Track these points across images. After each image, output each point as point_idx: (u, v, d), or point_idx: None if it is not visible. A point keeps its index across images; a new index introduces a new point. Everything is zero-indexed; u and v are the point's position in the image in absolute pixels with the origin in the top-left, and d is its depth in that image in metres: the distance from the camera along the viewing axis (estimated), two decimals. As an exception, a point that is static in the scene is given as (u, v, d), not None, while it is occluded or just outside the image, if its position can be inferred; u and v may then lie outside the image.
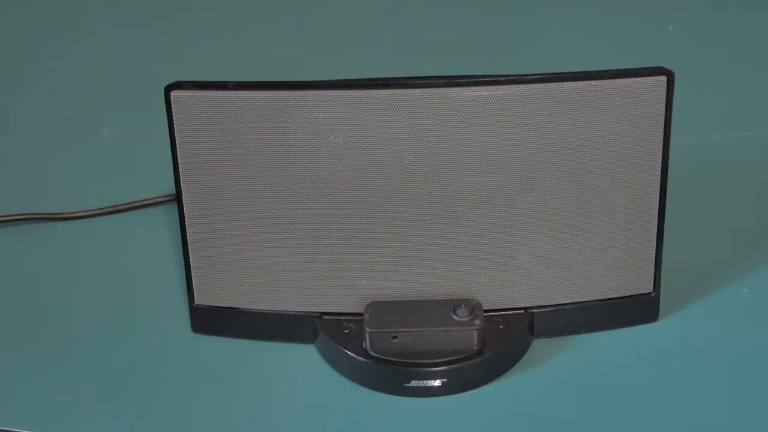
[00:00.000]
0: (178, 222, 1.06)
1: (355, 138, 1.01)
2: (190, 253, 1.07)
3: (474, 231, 1.04)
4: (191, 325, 1.11)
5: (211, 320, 1.10)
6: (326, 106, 1.00)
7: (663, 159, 1.03)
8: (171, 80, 1.01)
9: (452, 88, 0.99)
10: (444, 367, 1.03)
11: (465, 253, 1.05)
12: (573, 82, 1.00)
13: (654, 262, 1.07)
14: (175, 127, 1.02)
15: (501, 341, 1.05)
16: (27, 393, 1.05)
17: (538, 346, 1.08)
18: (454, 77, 1.00)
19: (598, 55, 1.60)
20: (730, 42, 1.65)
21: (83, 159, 1.41)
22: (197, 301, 1.09)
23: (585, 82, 1.00)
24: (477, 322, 1.03)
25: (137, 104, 1.49)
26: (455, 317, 1.03)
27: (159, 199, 1.29)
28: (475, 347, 1.03)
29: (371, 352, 1.03)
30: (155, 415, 1.02)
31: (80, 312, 1.15)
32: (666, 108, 1.01)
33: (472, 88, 0.99)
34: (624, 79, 1.00)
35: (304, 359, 1.08)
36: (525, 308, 1.07)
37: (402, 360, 1.03)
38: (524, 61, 1.60)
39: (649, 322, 1.10)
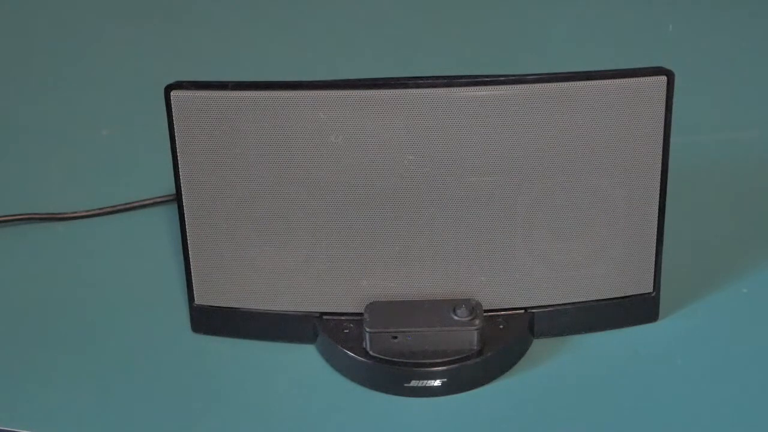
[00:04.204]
0: (178, 222, 1.06)
1: (355, 138, 1.01)
2: (190, 253, 1.07)
3: (474, 231, 1.04)
4: (191, 325, 1.11)
5: (211, 320, 1.10)
6: (326, 106, 1.00)
7: (663, 159, 1.03)
8: (171, 80, 1.01)
9: (452, 88, 0.99)
10: (444, 367, 1.03)
11: (465, 253, 1.05)
12: (573, 82, 1.00)
13: (654, 262, 1.07)
14: (175, 127, 1.02)
15: (501, 341, 1.05)
16: (27, 393, 1.05)
17: (538, 346, 1.08)
18: (454, 77, 1.00)
19: (598, 55, 1.60)
20: (730, 42, 1.65)
21: (83, 159, 1.41)
22: (197, 301, 1.09)
23: (585, 82, 1.00)
24: (477, 322, 1.03)
25: (137, 104, 1.49)
26: (455, 317, 1.03)
27: (159, 199, 1.29)
28: (475, 347, 1.03)
29: (371, 352, 1.03)
30: (155, 415, 1.02)
31: (80, 312, 1.15)
32: (666, 108, 1.01)
33: (472, 88, 0.99)
34: (624, 79, 1.00)
35: (304, 359, 1.08)
36: (525, 308, 1.07)
37: (402, 360, 1.03)
38: (524, 61, 1.60)
39: (649, 322, 1.10)
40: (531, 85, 0.99)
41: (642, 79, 1.00)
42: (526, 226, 1.04)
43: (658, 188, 1.04)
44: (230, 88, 1.01)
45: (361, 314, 1.05)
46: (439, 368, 1.03)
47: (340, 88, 1.00)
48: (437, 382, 1.03)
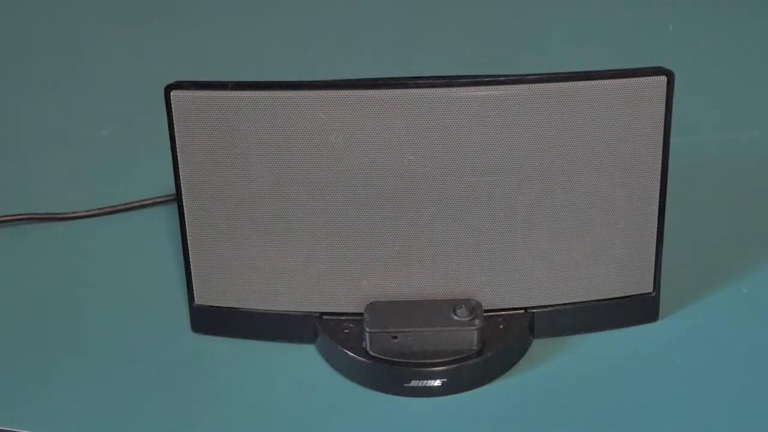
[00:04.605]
0: (178, 222, 1.06)
1: (355, 138, 1.01)
2: (190, 253, 1.07)
3: (474, 231, 1.04)
4: (191, 325, 1.11)
5: (211, 320, 1.10)
6: (326, 106, 1.00)
7: (663, 159, 1.03)
8: (171, 80, 1.01)
9: (452, 88, 0.99)
10: (444, 367, 1.03)
11: (465, 253, 1.05)
12: (573, 82, 1.00)
13: (654, 262, 1.07)
14: (175, 127, 1.02)
15: (501, 341, 1.05)
16: (27, 393, 1.05)
17: (538, 346, 1.08)
18: (454, 77, 1.00)
19: (598, 55, 1.60)
20: (730, 42, 1.65)
21: (83, 159, 1.41)
22: (197, 301, 1.09)
23: (585, 82, 1.00)
24: (477, 322, 1.03)
25: (137, 104, 1.49)
26: (455, 317, 1.03)
27: (159, 199, 1.29)
28: (475, 347, 1.03)
29: (371, 352, 1.03)
30: (155, 415, 1.02)
31: (80, 312, 1.15)
32: (666, 108, 1.01)
33: (472, 88, 0.99)
34: (624, 79, 1.00)
35: (304, 359, 1.08)
36: (525, 308, 1.07)
37: (402, 360, 1.03)
38: (524, 61, 1.60)
39: (649, 322, 1.10)
40: (531, 85, 0.99)
41: (642, 79, 1.00)
42: (526, 226, 1.04)
43: (658, 188, 1.04)
44: (230, 88, 1.01)
45: (361, 314, 1.05)
46: (439, 368, 1.03)
47: (340, 88, 1.00)
48: (437, 382, 1.03)
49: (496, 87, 0.99)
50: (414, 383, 1.03)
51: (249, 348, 1.09)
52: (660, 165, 1.03)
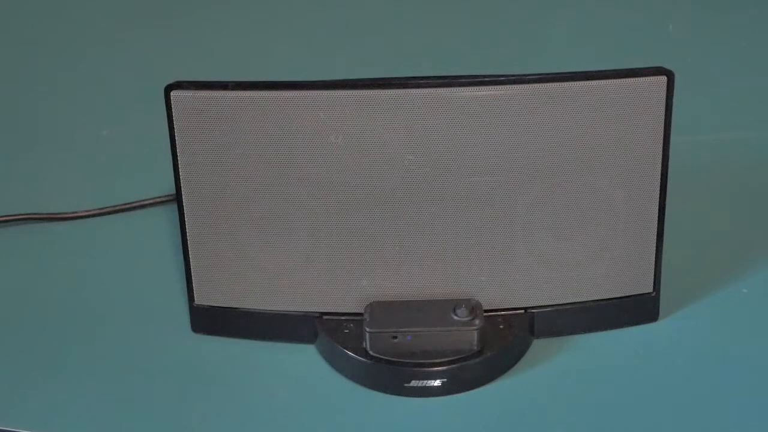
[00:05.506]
0: (178, 222, 1.06)
1: (355, 138, 1.01)
2: (190, 253, 1.07)
3: (474, 231, 1.04)
4: (191, 325, 1.11)
5: (211, 320, 1.10)
6: (326, 106, 1.00)
7: (663, 159, 1.03)
8: (171, 80, 1.01)
9: (452, 88, 0.99)
10: (444, 367, 1.03)
11: (465, 253, 1.05)
12: (573, 82, 1.00)
13: (654, 262, 1.07)
14: (175, 127, 1.02)
15: (501, 341, 1.05)
16: (27, 393, 1.05)
17: (538, 346, 1.08)
18: (454, 77, 1.01)
19: (598, 55, 1.60)
20: (730, 42, 1.65)
21: (83, 159, 1.41)
22: (197, 301, 1.09)
23: (585, 82, 1.00)
24: (477, 322, 1.03)
25: (137, 104, 1.49)
26: (455, 317, 1.03)
27: (159, 199, 1.29)
28: (475, 347, 1.03)
29: (371, 352, 1.03)
30: (155, 415, 1.02)
31: (80, 312, 1.15)
32: (666, 108, 1.01)
33: (472, 88, 0.99)
34: (624, 79, 1.00)
35: (304, 359, 1.08)
36: (525, 308, 1.07)
37: (402, 360, 1.03)
38: (524, 61, 1.60)
39: (649, 322, 1.10)
40: (531, 85, 0.99)
41: (642, 79, 1.00)
42: (526, 226, 1.04)
43: (658, 188, 1.04)
44: (230, 88, 1.01)
45: (361, 314, 1.05)
46: (439, 368, 1.03)
47: (340, 88, 1.00)
48: (437, 382, 1.03)
49: (496, 87, 1.00)
50: (414, 383, 1.03)
51: (249, 348, 1.09)
52: (660, 165, 1.03)
